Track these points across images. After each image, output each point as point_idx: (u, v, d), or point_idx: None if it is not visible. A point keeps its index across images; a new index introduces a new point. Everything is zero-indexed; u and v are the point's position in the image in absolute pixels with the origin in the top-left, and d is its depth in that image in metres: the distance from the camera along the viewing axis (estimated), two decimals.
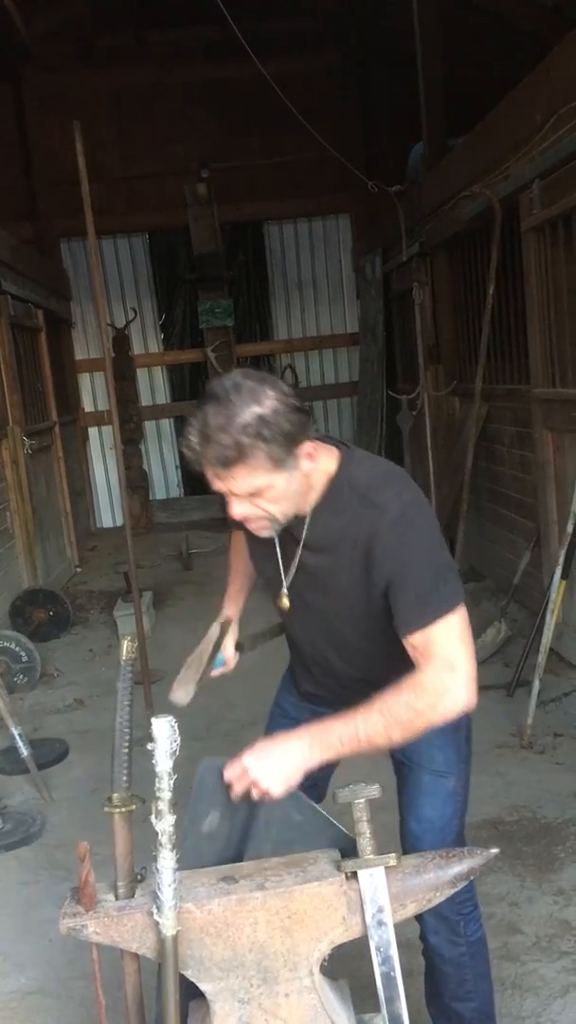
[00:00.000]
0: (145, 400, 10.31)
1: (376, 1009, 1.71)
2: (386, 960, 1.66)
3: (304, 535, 1.79)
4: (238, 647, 2.22)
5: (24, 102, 9.69)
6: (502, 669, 4.74)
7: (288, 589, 1.88)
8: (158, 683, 4.61)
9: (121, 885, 1.63)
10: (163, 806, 1.50)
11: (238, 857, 1.75)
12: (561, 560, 4.00)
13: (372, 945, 1.64)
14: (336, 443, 1.83)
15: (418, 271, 7.04)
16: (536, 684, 3.91)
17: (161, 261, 10.32)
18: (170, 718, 1.51)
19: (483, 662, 4.88)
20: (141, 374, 10.18)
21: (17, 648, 5.31)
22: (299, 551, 1.82)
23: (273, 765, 1.67)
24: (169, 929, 1.54)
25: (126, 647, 1.72)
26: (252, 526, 1.76)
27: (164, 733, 1.49)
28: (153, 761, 1.51)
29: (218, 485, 1.67)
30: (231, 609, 2.27)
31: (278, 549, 1.85)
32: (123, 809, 1.62)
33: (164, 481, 10.62)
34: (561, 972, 2.52)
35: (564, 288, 4.51)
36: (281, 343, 10.51)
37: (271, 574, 1.91)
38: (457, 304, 6.76)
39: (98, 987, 1.65)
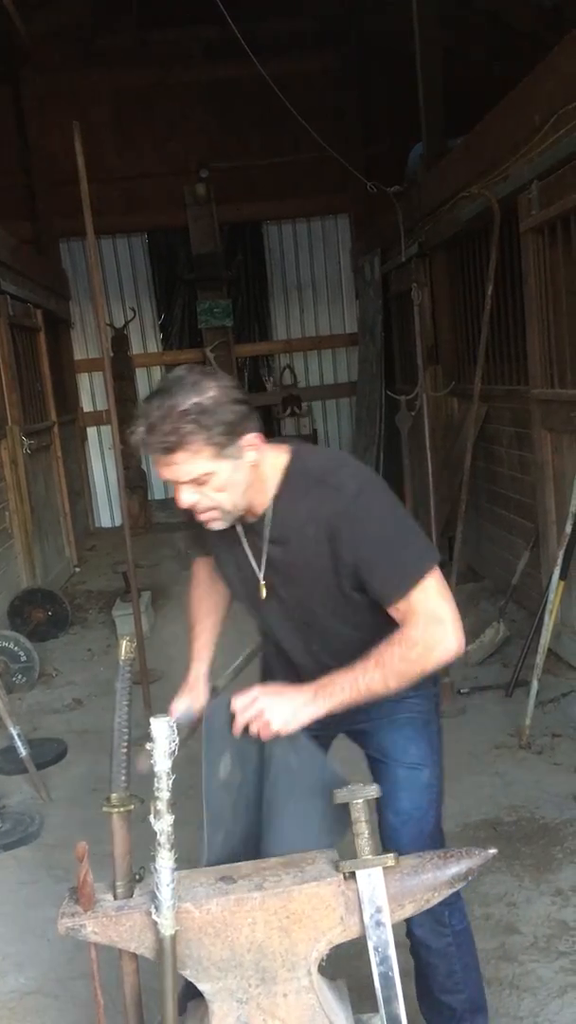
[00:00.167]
0: None
1: (374, 1009, 1.72)
2: (384, 960, 1.66)
3: (268, 529, 1.85)
4: (214, 691, 2.15)
5: (24, 102, 9.68)
6: (501, 669, 4.74)
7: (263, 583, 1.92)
8: (156, 683, 4.60)
9: (119, 885, 1.64)
10: (162, 806, 1.50)
11: (257, 804, 1.80)
12: (559, 560, 4.00)
13: (370, 945, 1.65)
14: (285, 440, 1.93)
15: (417, 272, 7.03)
16: (534, 684, 3.92)
17: (160, 261, 10.32)
18: (169, 718, 1.51)
19: (482, 662, 4.88)
20: (140, 374, 10.16)
21: (16, 648, 5.31)
22: (265, 547, 1.86)
23: (281, 702, 1.76)
24: (167, 929, 1.55)
25: (125, 647, 1.72)
26: (202, 517, 1.82)
27: (163, 733, 1.50)
28: (152, 761, 1.51)
29: (164, 473, 1.77)
30: (200, 667, 2.14)
31: (247, 548, 1.89)
32: (121, 809, 1.63)
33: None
34: (559, 972, 2.52)
35: (563, 289, 4.51)
36: (280, 343, 10.51)
37: (244, 575, 1.94)
38: (456, 305, 6.76)
39: (96, 987, 1.65)
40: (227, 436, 1.71)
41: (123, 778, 1.63)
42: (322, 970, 1.68)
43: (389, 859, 1.62)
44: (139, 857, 1.62)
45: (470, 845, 2.09)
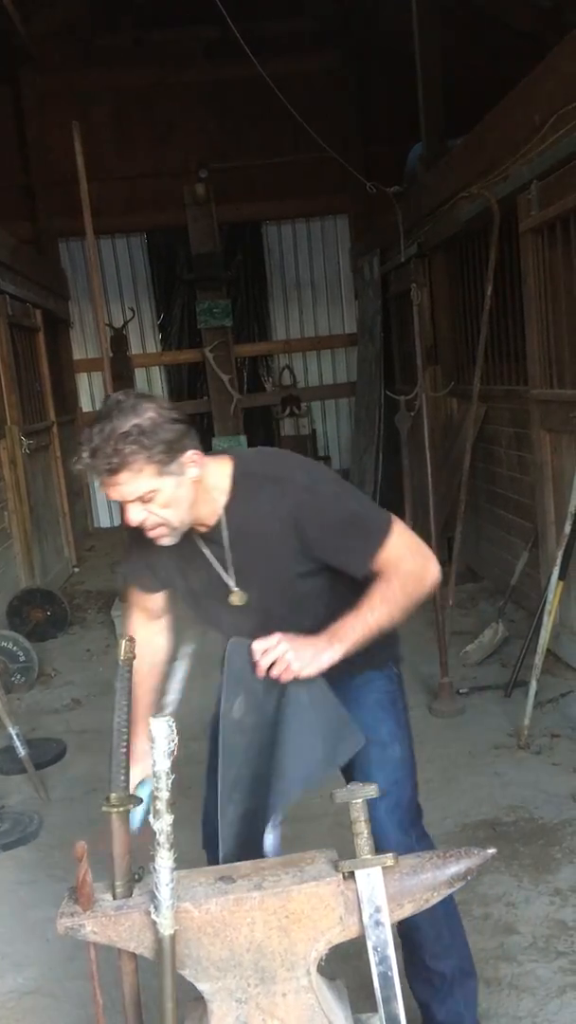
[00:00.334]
0: None
1: (373, 1009, 1.72)
2: (383, 960, 1.66)
3: (227, 536, 1.92)
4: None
5: (23, 102, 9.67)
6: (499, 670, 4.74)
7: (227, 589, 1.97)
8: None
9: (119, 884, 1.64)
10: (161, 805, 1.50)
11: (270, 747, 1.83)
12: (558, 561, 4.00)
13: (369, 945, 1.65)
14: (223, 451, 2.05)
15: (416, 272, 7.03)
16: (533, 685, 3.92)
17: (159, 261, 10.31)
18: (168, 718, 1.51)
19: (480, 663, 4.89)
20: (139, 374, 10.17)
21: (15, 648, 5.31)
22: (228, 555, 1.94)
23: (302, 646, 1.84)
24: (167, 928, 1.54)
25: (124, 647, 1.72)
26: (151, 534, 1.89)
27: (162, 733, 1.50)
28: (151, 761, 1.51)
29: (111, 494, 1.84)
30: (138, 772, 1.89)
31: (211, 559, 1.96)
32: (121, 809, 1.62)
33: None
34: (558, 972, 2.52)
35: (562, 289, 4.51)
36: (279, 343, 10.50)
37: (210, 586, 1.99)
38: (455, 305, 6.76)
39: (96, 987, 1.65)
40: (167, 454, 1.80)
41: (123, 778, 1.63)
42: (321, 970, 1.68)
43: (388, 859, 1.62)
44: (139, 857, 1.62)
45: (469, 845, 2.09)
